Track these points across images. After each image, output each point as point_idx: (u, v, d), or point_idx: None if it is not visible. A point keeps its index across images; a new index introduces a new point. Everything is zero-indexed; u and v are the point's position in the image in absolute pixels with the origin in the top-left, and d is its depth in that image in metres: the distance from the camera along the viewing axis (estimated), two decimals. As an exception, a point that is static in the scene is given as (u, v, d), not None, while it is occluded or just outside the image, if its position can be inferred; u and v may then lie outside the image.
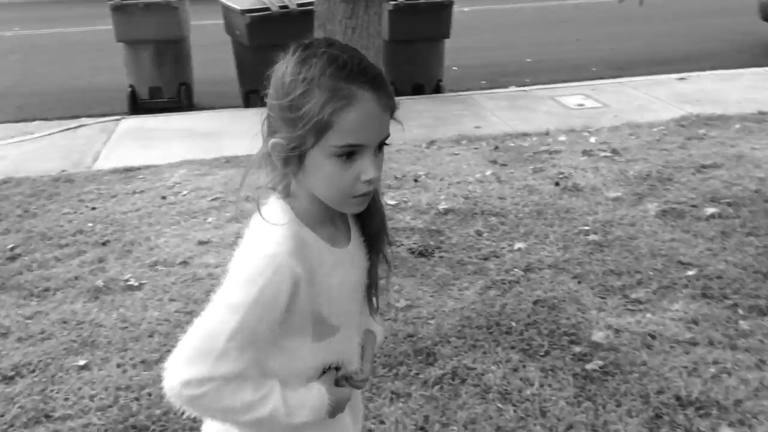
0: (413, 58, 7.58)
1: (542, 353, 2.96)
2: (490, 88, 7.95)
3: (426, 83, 7.72)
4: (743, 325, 3.08)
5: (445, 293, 3.44)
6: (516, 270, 3.64)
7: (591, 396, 2.70)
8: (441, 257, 3.78)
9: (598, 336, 3.03)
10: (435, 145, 5.75)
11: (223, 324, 1.15)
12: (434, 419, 2.61)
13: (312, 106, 1.12)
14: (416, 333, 3.12)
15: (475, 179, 4.89)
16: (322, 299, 1.24)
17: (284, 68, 1.16)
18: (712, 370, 2.80)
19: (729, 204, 4.25)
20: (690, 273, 3.50)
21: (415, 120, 6.54)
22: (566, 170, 4.99)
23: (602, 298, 3.35)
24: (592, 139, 5.71)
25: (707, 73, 8.03)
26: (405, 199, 4.57)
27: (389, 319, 3.21)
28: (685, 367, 2.82)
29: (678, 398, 2.65)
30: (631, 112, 6.61)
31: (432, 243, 3.93)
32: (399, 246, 3.85)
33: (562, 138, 5.83)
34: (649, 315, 3.19)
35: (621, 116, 6.45)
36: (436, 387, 2.77)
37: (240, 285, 1.17)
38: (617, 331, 3.08)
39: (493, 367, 2.88)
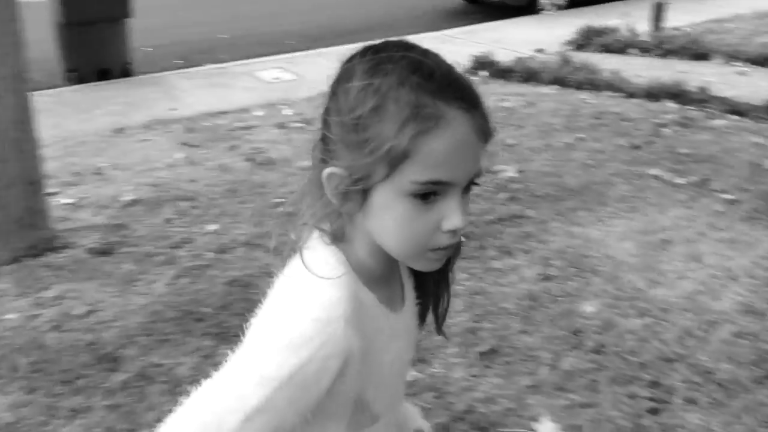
0: (94, 40, 7.00)
1: (235, 334, 2.91)
2: (186, 68, 7.67)
3: (112, 67, 7.19)
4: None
5: (131, 290, 3.23)
6: (209, 253, 3.55)
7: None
8: (126, 252, 3.54)
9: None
10: (123, 133, 5.39)
11: (242, 399, 0.85)
12: (119, 429, 2.43)
13: (386, 127, 0.83)
14: (98, 340, 2.88)
15: (165, 165, 4.67)
16: (371, 380, 0.96)
17: (350, 74, 0.87)
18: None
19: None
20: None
21: (102, 108, 6.08)
22: (261, 145, 4.98)
23: (294, 267, 3.39)
24: (288, 112, 5.78)
25: (391, 39, 8.58)
26: (85, 195, 4.20)
27: (66, 330, 2.94)
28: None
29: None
30: (324, 82, 6.75)
31: (115, 239, 3.66)
32: (76, 248, 3.53)
33: (260, 113, 5.82)
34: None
35: (316, 87, 6.58)
36: (121, 393, 2.59)
37: (275, 353, 0.86)
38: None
39: (184, 359, 2.77)
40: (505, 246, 3.55)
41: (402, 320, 1.01)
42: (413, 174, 0.84)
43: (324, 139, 0.90)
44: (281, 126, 5.39)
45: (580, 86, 6.28)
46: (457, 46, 8.00)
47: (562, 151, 4.75)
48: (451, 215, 0.87)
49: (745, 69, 6.65)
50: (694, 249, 3.45)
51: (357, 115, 0.84)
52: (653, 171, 4.33)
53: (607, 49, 7.72)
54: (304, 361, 0.84)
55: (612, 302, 3.06)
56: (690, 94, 5.72)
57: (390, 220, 0.87)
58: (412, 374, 2.60)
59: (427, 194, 0.85)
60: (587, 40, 8.03)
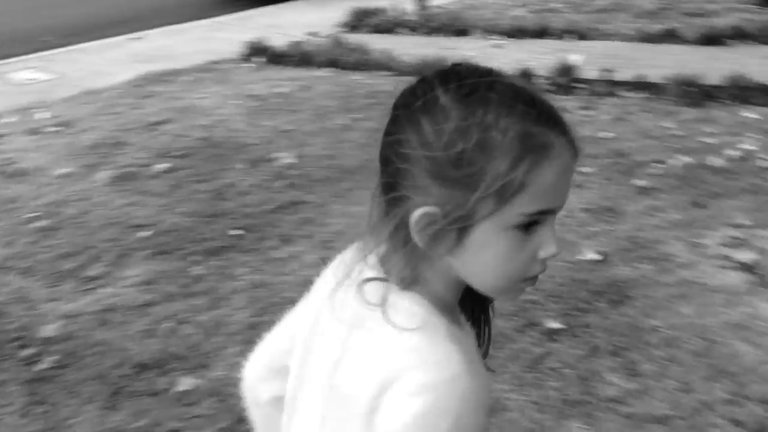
0: None
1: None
2: None
3: None
4: (196, 270, 3.19)
5: None
6: (-50, 283, 3.14)
7: (45, 398, 2.47)
8: None
9: (49, 330, 2.79)
10: None
11: None
12: None
13: (497, 162, 0.75)
14: None
15: None
16: None
17: (435, 104, 0.77)
18: (169, 324, 2.83)
19: (180, 156, 4.37)
20: (144, 234, 3.48)
21: None
22: (11, 155, 4.50)
23: (55, 286, 3.10)
24: (43, 115, 5.28)
25: (158, 30, 8.16)
26: None
27: None
28: (142, 331, 2.79)
29: (136, 365, 2.60)
30: (87, 80, 6.31)
31: None
32: None
33: (11, 119, 5.25)
34: (105, 290, 3.07)
35: (77, 85, 6.12)
36: None
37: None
38: (72, 317, 2.88)
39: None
40: (285, 234, 3.52)
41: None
42: (523, 206, 0.77)
43: (398, 174, 0.80)
44: (35, 132, 4.91)
45: (354, 67, 6.39)
46: (230, 32, 7.81)
47: (339, 132, 4.80)
48: (548, 242, 0.81)
49: (501, 42, 7.16)
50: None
51: (459, 149, 0.76)
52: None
53: (378, 29, 7.94)
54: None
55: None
56: (453, 69, 6.04)
57: (491, 257, 0.80)
58: (191, 382, 2.49)
59: (530, 224, 0.79)
60: (359, 21, 8.20)
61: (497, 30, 7.45)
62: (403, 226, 0.80)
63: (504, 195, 0.76)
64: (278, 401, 1.00)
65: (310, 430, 0.89)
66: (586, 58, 6.06)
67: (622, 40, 6.91)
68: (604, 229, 3.41)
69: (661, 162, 4.10)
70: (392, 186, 0.81)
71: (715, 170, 3.91)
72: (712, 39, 6.60)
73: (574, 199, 3.70)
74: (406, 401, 0.76)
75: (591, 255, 3.17)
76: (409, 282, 0.83)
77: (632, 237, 3.33)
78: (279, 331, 1.07)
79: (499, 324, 2.76)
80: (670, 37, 6.80)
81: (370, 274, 0.85)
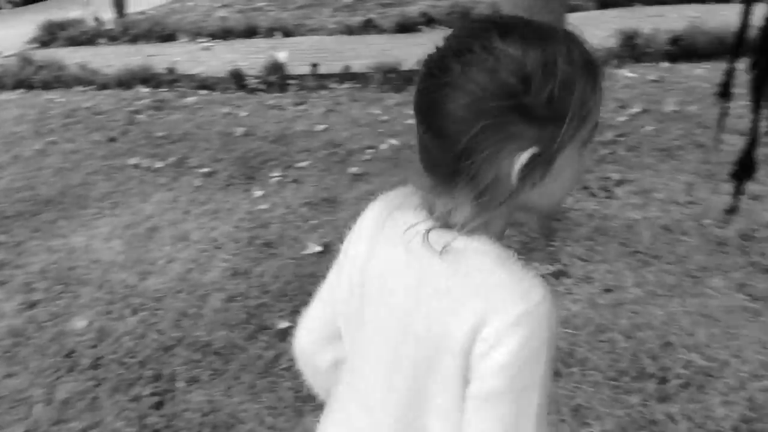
0: None
1: None
2: None
3: None
4: None
5: None
6: None
7: None
8: None
9: None
10: None
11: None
12: None
13: (580, 92, 0.81)
14: None
15: None
16: None
17: (506, 58, 0.78)
18: None
19: None
20: None
21: None
22: None
23: None
24: None
25: None
26: None
27: None
28: None
29: None
30: None
31: None
32: None
33: None
34: None
35: None
36: None
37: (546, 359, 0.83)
38: None
39: None
40: None
41: None
42: (591, 123, 0.85)
43: (478, 138, 0.80)
44: None
45: (47, 86, 5.82)
46: None
47: (33, 159, 4.32)
48: (589, 154, 0.90)
49: (209, 44, 7.01)
50: (181, 229, 3.46)
51: (548, 90, 0.79)
52: (132, 160, 4.24)
53: (75, 41, 7.35)
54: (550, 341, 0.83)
55: (105, 308, 2.88)
56: (160, 77, 5.78)
57: (568, 178, 0.87)
58: None
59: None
60: (52, 35, 7.52)
61: (205, 33, 7.29)
62: (495, 180, 0.82)
63: (585, 118, 0.83)
64: (339, 364, 1.04)
65: (379, 375, 0.93)
66: (294, 54, 6.15)
67: (327, 34, 7.14)
68: (324, 221, 3.47)
69: (372, 147, 4.28)
70: (473, 148, 0.81)
71: (419, 148, 4.17)
72: (406, 27, 7.08)
73: (294, 196, 3.72)
74: (510, 332, 0.81)
75: (315, 248, 3.20)
76: (475, 229, 0.85)
77: (351, 224, 3.42)
78: (321, 301, 1.08)
79: (230, 335, 2.67)
80: (369, 27, 7.18)
81: (431, 226, 0.87)
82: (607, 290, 2.72)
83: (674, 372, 2.27)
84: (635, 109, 4.52)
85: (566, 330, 2.50)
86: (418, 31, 7.06)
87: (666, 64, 5.46)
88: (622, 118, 4.40)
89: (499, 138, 0.80)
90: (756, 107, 3.06)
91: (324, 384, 1.10)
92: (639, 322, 2.52)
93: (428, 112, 0.84)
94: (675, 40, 5.58)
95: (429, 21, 7.16)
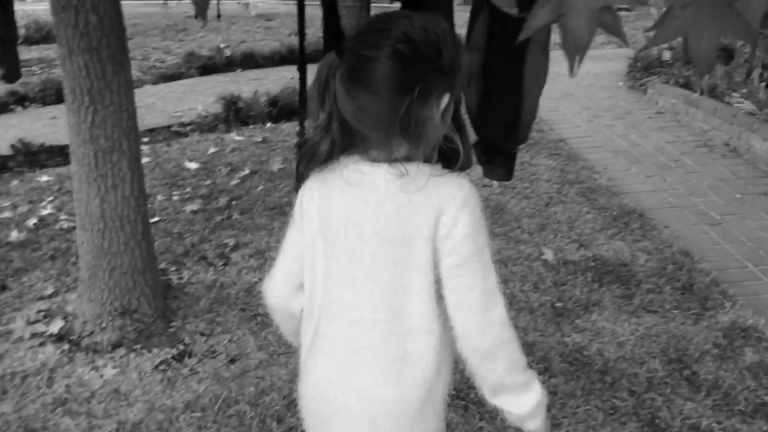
0: None
1: None
2: None
3: None
4: None
5: None
6: None
7: None
8: None
9: None
10: None
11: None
12: None
13: (461, 52, 1.18)
14: None
15: None
16: None
17: (419, 35, 1.13)
18: None
19: None
20: None
21: None
22: None
23: None
24: None
25: None
26: None
27: None
28: None
29: None
30: None
31: None
32: None
33: None
34: None
35: None
36: None
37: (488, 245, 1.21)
38: None
39: None
40: None
41: None
42: (464, 73, 1.22)
43: (413, 88, 1.11)
44: None
45: None
46: None
47: None
48: None
49: None
50: None
51: (450, 53, 1.14)
52: None
53: None
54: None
55: None
56: None
57: (451, 113, 1.21)
58: None
59: None
60: None
61: None
62: (427, 120, 1.15)
63: (463, 70, 1.20)
64: (302, 310, 1.35)
65: (361, 288, 1.23)
66: None
67: None
68: None
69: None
70: (412, 103, 1.12)
71: (16, 245, 3.73)
72: (-5, 108, 6.38)
73: None
74: (461, 211, 1.16)
75: None
76: (412, 158, 1.19)
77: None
78: (288, 258, 1.33)
79: None
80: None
81: (373, 164, 1.20)
82: (232, 361, 2.70)
83: (299, 429, 2.33)
84: (246, 171, 4.68)
85: (193, 414, 2.41)
86: (11, 111, 6.42)
87: (269, 125, 5.78)
88: (234, 182, 4.50)
89: (428, 92, 1.13)
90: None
91: (295, 327, 1.38)
92: (264, 386, 2.55)
93: (365, 81, 1.13)
94: (274, 102, 5.95)
95: (21, 99, 6.56)
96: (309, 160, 1.21)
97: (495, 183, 4.23)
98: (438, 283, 1.19)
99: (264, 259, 3.46)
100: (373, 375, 1.23)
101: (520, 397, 1.24)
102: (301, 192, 1.28)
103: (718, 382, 2.50)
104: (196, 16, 3.92)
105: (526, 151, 4.70)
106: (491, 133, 2.31)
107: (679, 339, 2.74)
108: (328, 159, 1.20)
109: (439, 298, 1.20)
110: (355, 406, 1.25)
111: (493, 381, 1.22)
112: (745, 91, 4.92)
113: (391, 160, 1.17)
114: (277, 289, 1.36)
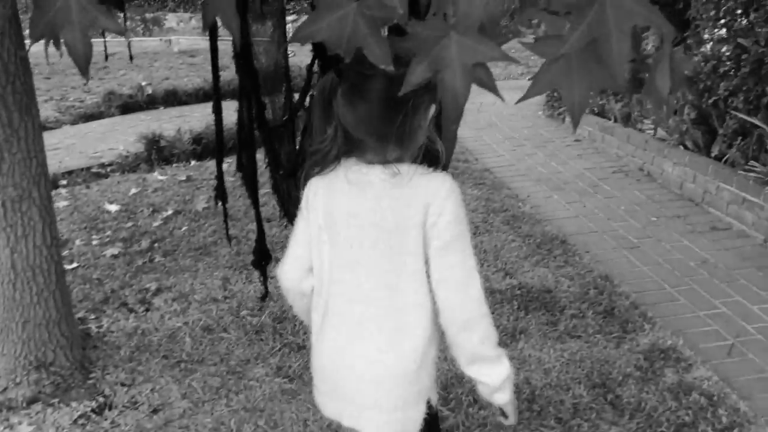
0: None
1: None
2: None
3: None
4: None
5: None
6: None
7: None
8: None
9: None
10: None
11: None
12: None
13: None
14: None
15: None
16: None
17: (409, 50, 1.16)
18: None
19: None
20: None
21: None
22: None
23: None
24: None
25: None
26: None
27: None
28: None
29: None
30: None
31: None
32: None
33: None
34: None
35: None
36: None
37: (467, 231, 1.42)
38: None
39: None
40: None
41: None
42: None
43: (406, 105, 1.33)
44: None
45: None
46: None
47: None
48: None
49: None
50: None
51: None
52: None
53: None
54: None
55: None
56: None
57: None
58: None
59: None
60: None
61: None
62: (417, 128, 1.38)
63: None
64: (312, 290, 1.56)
65: (364, 269, 1.44)
66: None
67: None
68: None
69: None
70: (406, 115, 1.34)
71: None
72: None
73: None
74: (446, 202, 1.38)
75: None
76: (402, 160, 1.41)
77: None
78: (298, 244, 1.54)
79: None
80: None
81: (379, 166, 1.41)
82: (155, 411, 2.61)
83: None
84: (169, 212, 4.57)
85: (114, 471, 2.31)
86: None
87: (194, 163, 5.69)
88: (156, 223, 4.40)
89: (419, 104, 1.33)
90: (254, 202, 3.32)
91: (306, 306, 1.57)
92: (189, 436, 2.47)
93: (364, 94, 1.33)
94: (198, 139, 5.87)
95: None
96: (321, 164, 1.43)
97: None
98: (426, 264, 1.40)
99: (188, 302, 3.37)
100: (375, 343, 1.44)
101: (492, 368, 1.42)
102: (306, 189, 1.50)
103: (640, 404, 2.56)
104: (106, 58, 3.83)
105: (451, 181, 4.77)
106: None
107: (603, 363, 2.80)
108: (332, 163, 1.42)
109: (429, 277, 1.41)
110: (362, 370, 1.46)
111: (469, 351, 1.41)
112: (655, 118, 5.15)
113: (384, 162, 1.39)
114: (289, 272, 1.56)
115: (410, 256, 1.40)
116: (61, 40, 0.89)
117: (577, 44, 0.85)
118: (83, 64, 0.88)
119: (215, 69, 2.60)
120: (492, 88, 0.97)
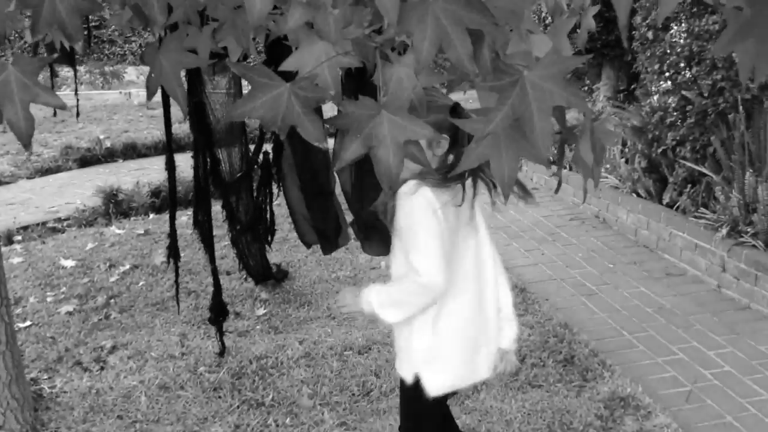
0: None
1: None
2: None
3: None
4: None
5: None
6: None
7: None
8: None
9: None
10: None
11: None
12: None
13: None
14: None
15: None
16: None
17: None
18: None
19: None
20: None
21: None
22: None
23: None
24: None
25: None
26: None
27: None
28: None
29: None
30: None
31: None
32: None
33: None
34: None
35: None
36: None
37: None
38: None
39: None
40: None
41: None
42: None
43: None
44: None
45: None
46: None
47: None
48: None
49: None
50: None
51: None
52: None
53: None
54: None
55: None
56: None
57: None
58: None
59: None
60: None
61: None
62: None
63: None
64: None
65: (469, 270, 2.01)
66: None
67: None
68: None
69: None
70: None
71: None
72: None
73: None
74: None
75: None
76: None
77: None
78: (440, 248, 1.86)
79: None
80: None
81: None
82: (108, 476, 2.52)
83: None
84: (126, 267, 4.50)
85: None
86: None
87: (152, 216, 5.63)
88: (113, 278, 4.32)
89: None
90: (211, 257, 3.29)
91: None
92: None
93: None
94: (156, 192, 5.82)
95: None
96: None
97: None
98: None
99: (144, 360, 3.30)
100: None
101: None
102: (430, 201, 1.90)
103: (602, 453, 2.57)
104: (77, 115, 3.82)
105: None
106: (367, 212, 2.35)
107: (563, 413, 2.80)
108: None
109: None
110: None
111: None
112: (608, 166, 5.29)
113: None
114: (437, 266, 1.91)
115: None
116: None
117: (502, 123, 0.92)
118: (26, 140, 0.89)
119: (168, 127, 2.60)
120: (423, 163, 1.03)
